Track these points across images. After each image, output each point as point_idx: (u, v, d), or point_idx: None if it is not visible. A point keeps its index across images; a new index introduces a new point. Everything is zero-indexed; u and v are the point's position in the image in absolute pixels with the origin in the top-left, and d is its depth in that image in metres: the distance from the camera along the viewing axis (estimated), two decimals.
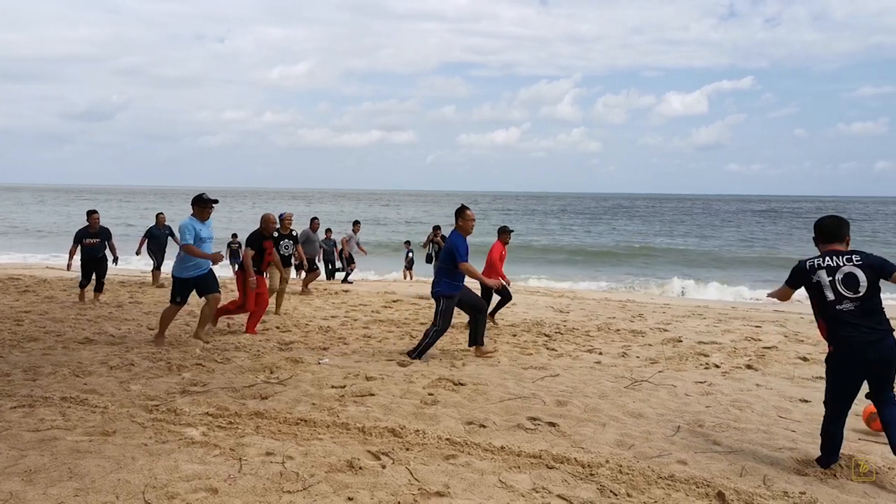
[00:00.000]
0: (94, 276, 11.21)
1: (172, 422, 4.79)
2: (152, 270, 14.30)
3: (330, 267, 16.45)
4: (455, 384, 6.08)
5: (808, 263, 4.27)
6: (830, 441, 4.27)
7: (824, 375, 4.31)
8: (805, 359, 7.98)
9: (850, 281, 4.10)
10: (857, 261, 4.14)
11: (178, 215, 14.47)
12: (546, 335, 9.21)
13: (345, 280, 15.87)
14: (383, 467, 4.04)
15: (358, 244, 16.27)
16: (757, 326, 10.37)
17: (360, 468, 3.99)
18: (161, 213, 14.93)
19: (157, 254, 14.21)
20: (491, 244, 10.14)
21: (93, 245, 11.13)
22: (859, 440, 4.85)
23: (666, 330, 9.90)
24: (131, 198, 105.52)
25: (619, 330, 9.82)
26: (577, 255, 32.48)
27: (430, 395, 5.73)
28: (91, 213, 11.45)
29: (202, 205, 7.60)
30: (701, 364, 7.54)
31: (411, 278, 18.19)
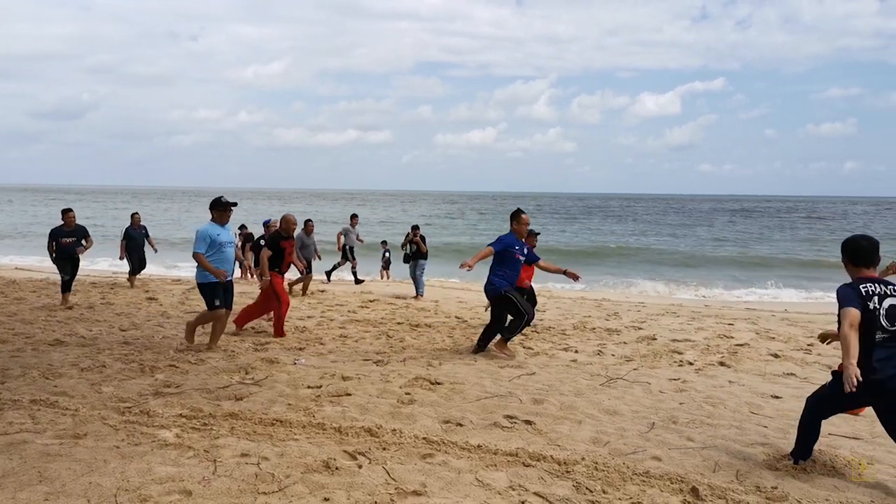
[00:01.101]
0: (82, 283, 10.93)
1: (145, 424, 4.72)
2: (129, 274, 14.06)
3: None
4: (432, 383, 6.08)
5: (862, 289, 3.95)
6: (812, 435, 4.27)
7: (832, 386, 4.13)
8: (776, 355, 8.12)
9: (892, 313, 3.92)
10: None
11: (152, 216, 14.34)
12: (522, 334, 9.24)
13: (329, 273, 15.90)
14: (360, 467, 4.02)
15: (357, 236, 16.23)
16: (729, 324, 10.51)
17: (337, 468, 3.97)
18: (136, 213, 14.70)
19: (134, 256, 13.97)
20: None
21: (69, 244, 10.86)
22: (829, 435, 4.94)
23: (640, 328, 10.00)
24: (101, 198, 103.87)
25: (594, 328, 9.89)
26: (552, 254, 32.66)
27: (407, 394, 5.72)
28: (66, 212, 11.15)
29: (221, 208, 7.40)
30: (675, 361, 7.63)
31: (388, 278, 18.14)
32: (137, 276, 14.06)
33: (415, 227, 13.94)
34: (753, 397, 6.09)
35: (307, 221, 13.66)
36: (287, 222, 8.97)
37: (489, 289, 7.68)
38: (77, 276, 11.25)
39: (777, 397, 6.12)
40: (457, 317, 10.78)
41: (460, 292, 14.84)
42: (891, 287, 3.98)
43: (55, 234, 10.87)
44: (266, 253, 8.63)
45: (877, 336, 3.90)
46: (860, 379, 3.71)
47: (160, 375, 6.19)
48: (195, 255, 7.26)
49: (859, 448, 4.69)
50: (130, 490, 3.61)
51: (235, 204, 7.54)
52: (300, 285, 13.01)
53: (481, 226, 52.90)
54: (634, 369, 7.11)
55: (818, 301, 16.17)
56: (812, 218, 67.16)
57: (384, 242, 20.03)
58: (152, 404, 5.20)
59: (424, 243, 13.73)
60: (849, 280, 4.12)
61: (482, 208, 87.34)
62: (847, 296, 3.94)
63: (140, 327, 8.88)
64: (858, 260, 4.10)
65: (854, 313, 3.85)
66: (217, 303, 7.37)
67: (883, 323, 3.90)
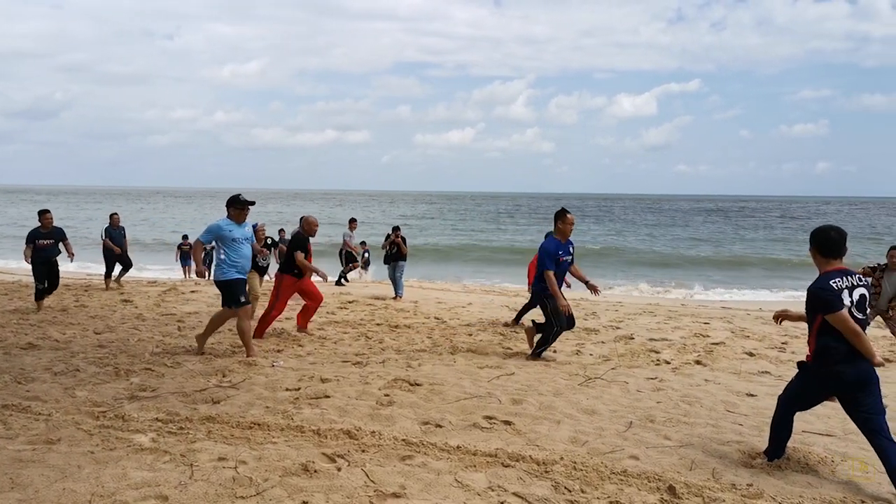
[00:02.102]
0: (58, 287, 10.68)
1: (120, 428, 4.66)
2: (105, 277, 13.87)
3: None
4: (411, 385, 6.08)
5: (832, 284, 3.98)
6: (785, 433, 4.35)
7: (800, 379, 4.26)
8: (751, 354, 8.23)
9: (862, 302, 4.03)
10: (863, 281, 4.08)
11: (125, 217, 14.16)
12: (501, 334, 9.28)
13: (341, 279, 15.88)
14: (339, 470, 4.01)
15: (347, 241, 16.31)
16: (705, 323, 10.63)
17: (316, 471, 3.95)
18: (115, 214, 14.53)
19: (111, 259, 13.78)
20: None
21: (46, 246, 10.52)
22: (803, 432, 5.02)
23: (618, 328, 10.08)
24: (74, 198, 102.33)
25: (573, 328, 9.94)
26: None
27: (386, 396, 5.71)
28: (43, 213, 10.80)
29: (239, 206, 7.30)
30: (652, 360, 7.70)
31: (365, 277, 18.11)
32: (124, 278, 13.88)
33: (395, 228, 13.94)
34: (729, 395, 6.17)
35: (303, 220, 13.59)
36: (309, 224, 8.92)
37: (540, 288, 7.64)
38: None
39: (752, 395, 6.20)
40: (436, 318, 10.78)
41: (439, 293, 14.84)
42: (856, 277, 4.09)
43: (32, 236, 10.55)
44: (300, 255, 8.59)
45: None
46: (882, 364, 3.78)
47: (135, 379, 6.11)
48: (196, 242, 7.35)
49: (832, 445, 4.77)
50: (105, 496, 3.56)
51: (253, 203, 7.45)
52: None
53: (460, 226, 52.97)
54: (612, 369, 7.16)
55: (793, 300, 16.42)
56: (786, 217, 68.21)
57: (363, 243, 20.00)
58: (127, 408, 5.14)
59: (405, 244, 13.73)
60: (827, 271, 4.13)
61: (462, 208, 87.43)
62: (829, 299, 3.95)
63: (115, 330, 8.76)
64: (828, 251, 4.11)
65: (845, 316, 3.91)
66: (242, 299, 7.25)
67: (855, 314, 3.98)
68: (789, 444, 4.60)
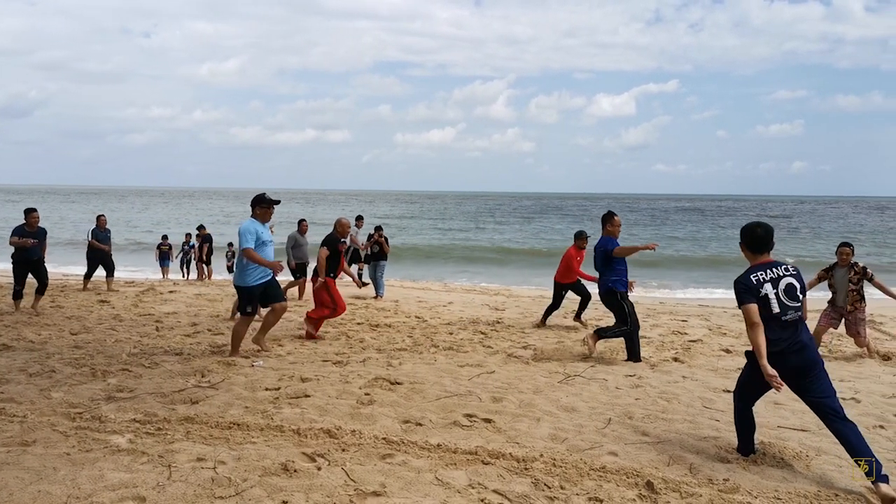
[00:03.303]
0: (28, 281, 10.43)
1: (97, 429, 4.61)
2: (84, 278, 13.67)
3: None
4: (392, 383, 6.07)
5: (752, 278, 4.21)
6: (748, 426, 4.47)
7: (747, 367, 4.45)
8: (728, 350, 8.33)
9: (791, 291, 4.19)
10: (792, 271, 4.26)
11: (113, 215, 14.01)
12: (482, 333, 9.30)
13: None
14: (319, 469, 4.00)
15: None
16: (683, 321, 10.74)
17: (295, 471, 3.93)
18: (102, 216, 14.34)
19: (95, 260, 13.60)
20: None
21: (29, 246, 10.26)
22: (778, 427, 5.09)
23: (597, 326, 10.14)
24: (50, 197, 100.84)
25: (553, 326, 10.00)
26: (513, 255, 32.89)
27: (367, 395, 5.70)
28: (30, 212, 10.46)
29: (265, 205, 7.19)
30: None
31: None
32: (101, 279, 13.69)
33: (378, 228, 13.91)
34: (706, 392, 6.24)
35: (301, 221, 13.41)
36: (342, 225, 8.91)
37: (606, 289, 7.71)
38: (28, 280, 10.71)
39: (729, 391, 6.25)
40: (417, 317, 10.78)
41: (420, 292, 14.85)
42: (784, 267, 4.26)
43: (17, 234, 10.23)
44: (324, 252, 8.56)
45: (782, 317, 4.16)
46: (776, 374, 4.05)
47: (112, 380, 6.04)
48: (246, 252, 6.93)
49: (807, 440, 4.85)
50: (82, 497, 3.53)
51: (279, 202, 7.38)
52: (295, 289, 12.79)
53: (441, 225, 52.98)
54: (592, 366, 7.21)
55: None
56: (763, 216, 69.05)
57: (343, 243, 19.93)
58: (104, 409, 5.08)
59: (387, 244, 13.72)
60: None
61: (442, 208, 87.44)
62: (740, 291, 4.21)
63: (91, 331, 8.66)
64: (755, 247, 4.33)
65: (752, 309, 4.14)
66: (249, 309, 7.15)
67: (785, 302, 4.16)
68: (765, 439, 4.68)
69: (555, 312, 10.32)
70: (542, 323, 10.15)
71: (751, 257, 4.36)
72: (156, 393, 5.60)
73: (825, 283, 8.09)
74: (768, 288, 4.17)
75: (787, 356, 4.14)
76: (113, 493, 3.58)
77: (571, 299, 10.57)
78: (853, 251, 7.96)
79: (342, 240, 8.93)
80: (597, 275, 7.97)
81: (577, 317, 10.19)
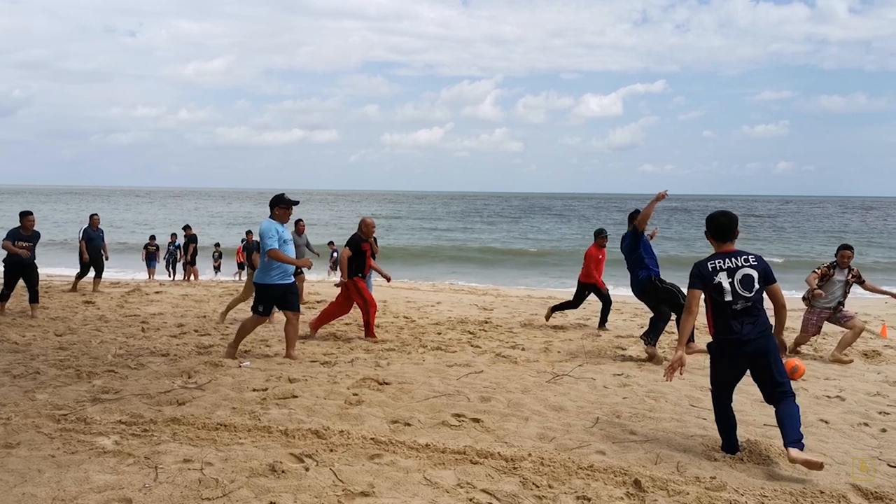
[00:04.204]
0: (18, 287, 10.26)
1: (82, 431, 4.57)
2: (76, 277, 13.54)
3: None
4: (380, 383, 6.06)
5: (709, 266, 4.36)
6: (728, 423, 4.52)
7: (711, 359, 4.54)
8: None
9: (747, 281, 4.30)
10: (752, 262, 4.36)
11: (105, 213, 13.91)
12: (470, 332, 9.30)
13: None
14: (307, 470, 3.98)
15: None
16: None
17: (283, 471, 3.92)
18: (95, 215, 14.15)
19: (90, 259, 13.46)
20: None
21: (24, 248, 9.99)
22: (764, 426, 5.13)
23: (586, 325, 10.19)
24: (32, 198, 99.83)
25: (541, 326, 10.03)
26: (501, 255, 32.95)
27: (355, 395, 5.69)
28: (26, 215, 10.21)
29: (284, 206, 7.13)
30: (618, 357, 7.80)
31: (334, 276, 18.03)
32: (85, 280, 13.56)
33: None
34: (693, 390, 6.27)
35: (298, 221, 13.30)
36: (366, 225, 8.90)
37: (641, 280, 7.85)
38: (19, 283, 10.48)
39: None
40: (405, 317, 10.77)
41: (408, 292, 14.83)
42: (743, 258, 4.36)
43: (12, 237, 10.00)
44: (346, 252, 8.52)
45: (732, 305, 4.28)
46: (684, 365, 4.32)
47: (98, 381, 5.99)
48: (271, 252, 6.88)
49: None
50: (67, 500, 3.49)
51: (297, 202, 7.33)
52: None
53: (428, 225, 52.97)
54: (580, 365, 7.24)
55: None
56: (749, 216, 69.57)
57: (331, 243, 19.95)
58: (90, 411, 5.04)
59: (376, 244, 13.68)
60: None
61: (430, 208, 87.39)
62: (692, 275, 4.40)
63: (76, 332, 8.58)
64: (718, 235, 4.45)
65: (695, 294, 4.34)
66: (261, 308, 7.09)
67: (739, 292, 4.27)
68: (751, 437, 4.71)
69: (567, 316, 10.28)
70: (549, 316, 10.12)
71: (715, 245, 4.49)
72: (142, 394, 5.56)
73: (802, 280, 8.21)
74: (723, 276, 4.30)
75: (742, 344, 4.28)
76: (99, 496, 3.55)
77: (597, 302, 10.44)
78: (853, 254, 8.06)
79: (367, 239, 8.88)
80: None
81: (602, 324, 9.93)
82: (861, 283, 8.03)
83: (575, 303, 10.22)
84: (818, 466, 4.01)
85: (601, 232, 10.24)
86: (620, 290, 12.46)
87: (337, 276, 18.30)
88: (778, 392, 4.31)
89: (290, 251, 7.13)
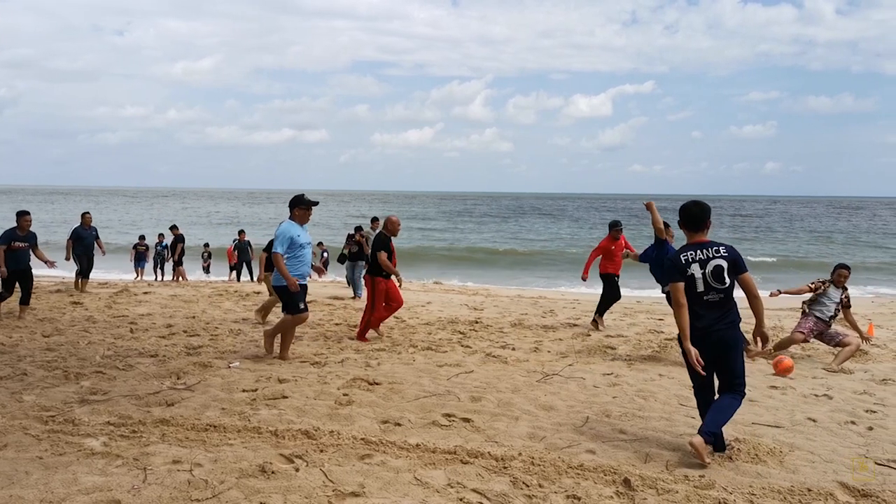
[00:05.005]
0: (16, 287, 10.15)
1: (70, 433, 4.54)
2: (76, 276, 13.44)
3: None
4: (370, 384, 6.05)
5: (682, 258, 4.40)
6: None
7: (682, 353, 4.48)
8: None
9: (718, 273, 4.34)
10: (723, 253, 4.39)
11: (75, 216, 13.77)
12: (461, 332, 9.31)
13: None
14: (297, 470, 3.97)
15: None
16: (660, 319, 10.84)
17: (273, 472, 3.90)
18: (87, 213, 14.04)
19: (83, 258, 13.36)
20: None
21: (20, 249, 9.92)
22: (752, 424, 5.16)
23: (576, 325, 10.22)
24: (17, 197, 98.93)
25: (531, 326, 10.04)
26: (491, 255, 32.98)
27: (345, 395, 5.68)
28: (23, 215, 10.10)
29: (304, 207, 7.09)
30: (608, 356, 7.83)
31: (324, 277, 17.97)
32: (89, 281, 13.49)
33: (358, 228, 13.90)
34: (682, 389, 6.30)
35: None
36: (392, 224, 8.89)
37: None
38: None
39: None
40: (395, 317, 10.75)
41: None
42: (714, 249, 4.40)
43: (8, 237, 9.87)
44: (384, 255, 8.53)
45: (704, 296, 4.34)
46: (699, 357, 4.27)
47: (86, 382, 5.95)
48: (274, 256, 6.84)
49: (780, 436, 4.92)
50: (55, 502, 3.47)
51: (317, 203, 7.28)
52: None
53: (418, 226, 52.93)
54: (570, 365, 7.25)
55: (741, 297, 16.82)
56: (737, 216, 69.98)
57: (320, 244, 19.90)
58: (78, 412, 5.00)
59: (368, 244, 13.69)
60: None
61: (421, 208, 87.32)
62: (668, 269, 4.47)
63: (64, 333, 8.52)
64: (690, 225, 4.51)
65: (679, 288, 4.34)
66: (302, 305, 7.04)
67: (710, 283, 4.33)
68: (739, 436, 4.74)
69: (558, 316, 10.29)
70: (599, 322, 9.89)
71: (687, 235, 4.55)
72: (130, 395, 5.53)
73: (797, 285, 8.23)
74: (695, 268, 4.35)
75: (710, 334, 4.32)
76: (87, 497, 3.53)
77: (587, 301, 10.48)
78: (850, 273, 8.09)
79: (393, 237, 8.88)
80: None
81: (599, 313, 9.90)
82: (847, 307, 7.99)
83: (615, 295, 10.02)
84: (702, 463, 4.18)
85: (615, 224, 10.21)
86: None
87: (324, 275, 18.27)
88: (732, 383, 4.39)
89: (307, 255, 7.11)
